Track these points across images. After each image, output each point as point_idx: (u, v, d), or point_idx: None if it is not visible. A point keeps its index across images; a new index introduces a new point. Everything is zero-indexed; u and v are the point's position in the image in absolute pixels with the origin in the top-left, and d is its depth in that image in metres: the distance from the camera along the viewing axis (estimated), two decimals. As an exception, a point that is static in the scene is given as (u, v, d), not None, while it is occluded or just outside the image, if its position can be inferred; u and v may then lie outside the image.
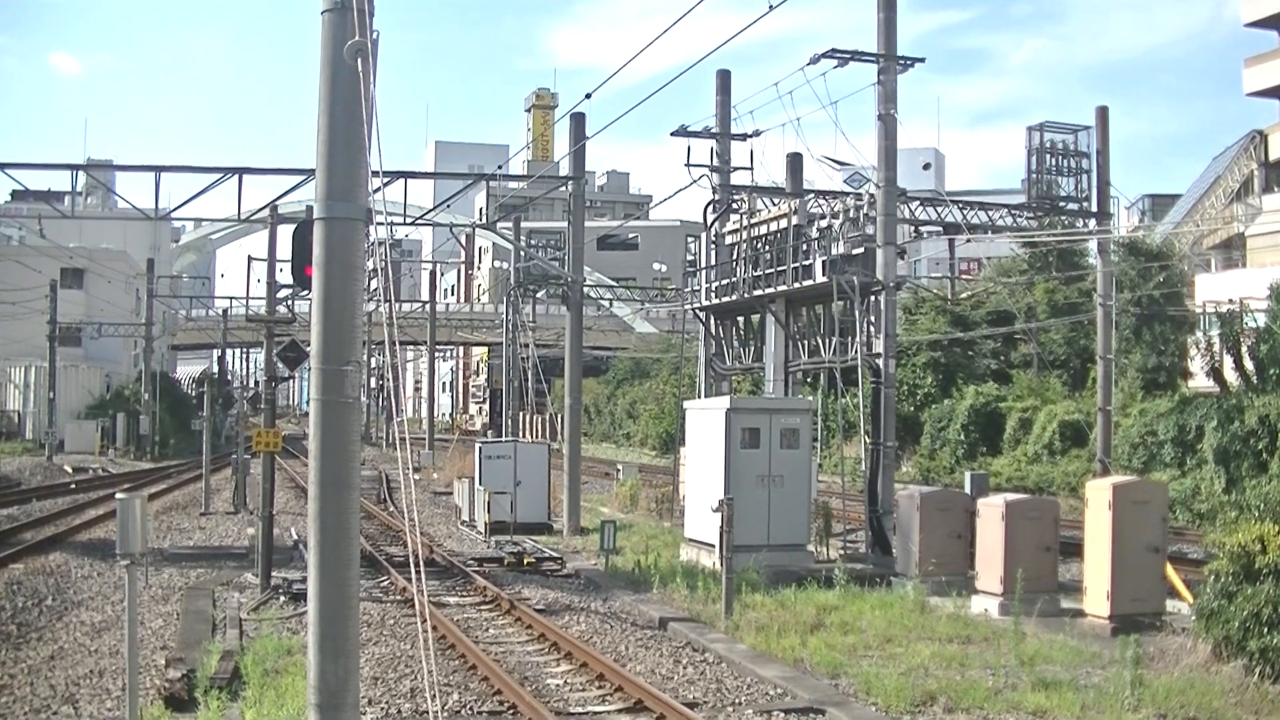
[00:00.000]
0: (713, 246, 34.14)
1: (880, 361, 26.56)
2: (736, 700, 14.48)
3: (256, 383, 71.30)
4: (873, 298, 26.88)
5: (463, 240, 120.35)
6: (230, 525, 34.02)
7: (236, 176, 31.87)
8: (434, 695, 13.96)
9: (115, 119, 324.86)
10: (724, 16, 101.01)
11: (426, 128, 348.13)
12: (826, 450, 44.80)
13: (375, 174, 8.11)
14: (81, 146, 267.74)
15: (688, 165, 33.15)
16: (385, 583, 23.23)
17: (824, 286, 27.66)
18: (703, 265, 34.86)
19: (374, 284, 33.03)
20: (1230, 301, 39.06)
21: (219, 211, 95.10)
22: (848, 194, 32.82)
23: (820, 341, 29.88)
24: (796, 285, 29.08)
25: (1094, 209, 34.22)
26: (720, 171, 33.38)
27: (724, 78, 33.84)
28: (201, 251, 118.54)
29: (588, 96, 22.03)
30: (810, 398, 33.99)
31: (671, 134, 33.14)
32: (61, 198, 57.95)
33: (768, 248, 31.40)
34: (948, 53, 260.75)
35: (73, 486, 45.23)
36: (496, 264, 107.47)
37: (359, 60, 7.79)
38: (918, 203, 34.59)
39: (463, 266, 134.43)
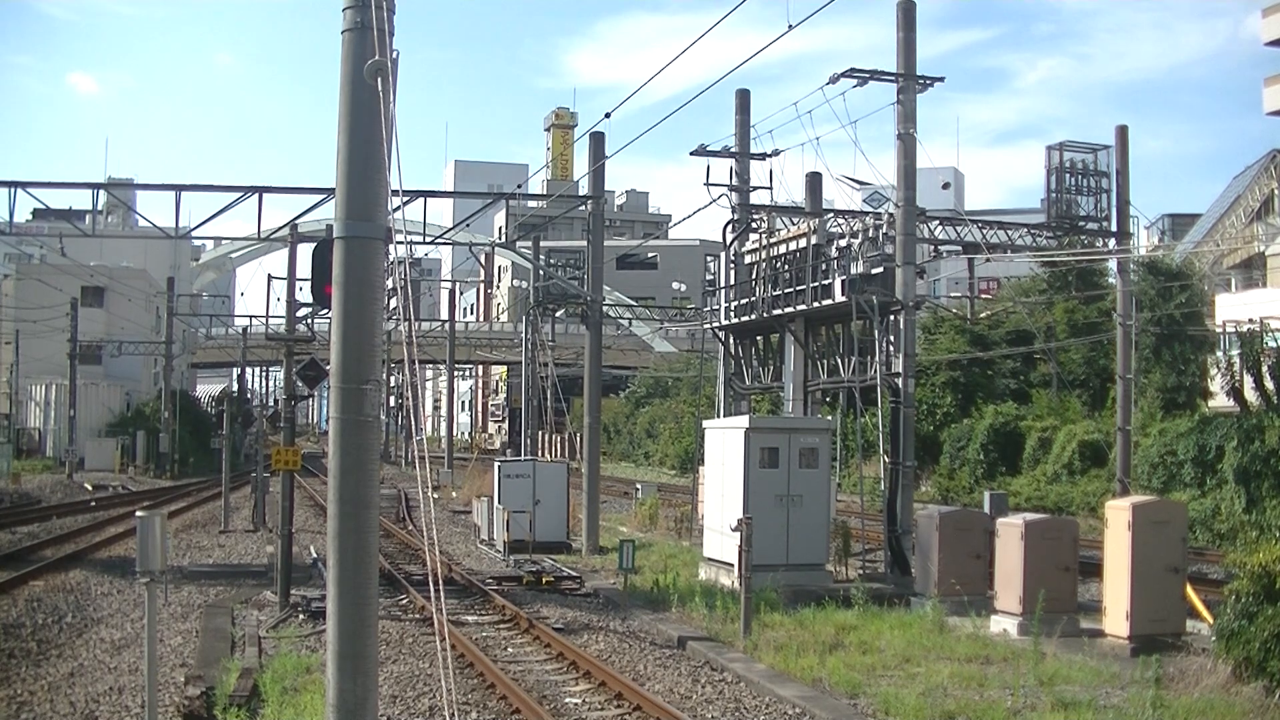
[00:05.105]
0: (732, 266, 34.15)
1: (899, 381, 26.53)
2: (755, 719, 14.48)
3: (276, 401, 71.49)
4: (892, 317, 26.87)
5: (482, 259, 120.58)
6: (249, 543, 34.10)
7: (256, 195, 32.06)
8: (453, 714, 13.98)
9: (135, 138, 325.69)
10: (743, 37, 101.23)
11: (446, 147, 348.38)
12: (845, 470, 44.71)
13: (395, 193, 8.13)
14: (102, 165, 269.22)
15: (707, 184, 33.23)
16: (404, 601, 23.23)
17: (843, 306, 27.66)
18: (722, 284, 34.87)
19: (393, 303, 33.03)
20: (1250, 321, 38.86)
21: (239, 230, 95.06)
22: (867, 213, 32.80)
23: (839, 361, 29.85)
24: (816, 305, 29.08)
25: (1114, 228, 34.13)
26: (739, 191, 33.44)
27: (743, 97, 33.93)
28: (221, 270, 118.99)
29: (607, 116, 22.17)
30: (829, 417, 33.92)
31: (691, 153, 33.27)
32: (82, 216, 58.33)
33: (787, 267, 31.40)
34: (967, 72, 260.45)
35: (93, 504, 45.39)
36: (516, 283, 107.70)
37: (379, 80, 7.82)
38: (937, 222, 34.57)
39: (482, 285, 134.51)
